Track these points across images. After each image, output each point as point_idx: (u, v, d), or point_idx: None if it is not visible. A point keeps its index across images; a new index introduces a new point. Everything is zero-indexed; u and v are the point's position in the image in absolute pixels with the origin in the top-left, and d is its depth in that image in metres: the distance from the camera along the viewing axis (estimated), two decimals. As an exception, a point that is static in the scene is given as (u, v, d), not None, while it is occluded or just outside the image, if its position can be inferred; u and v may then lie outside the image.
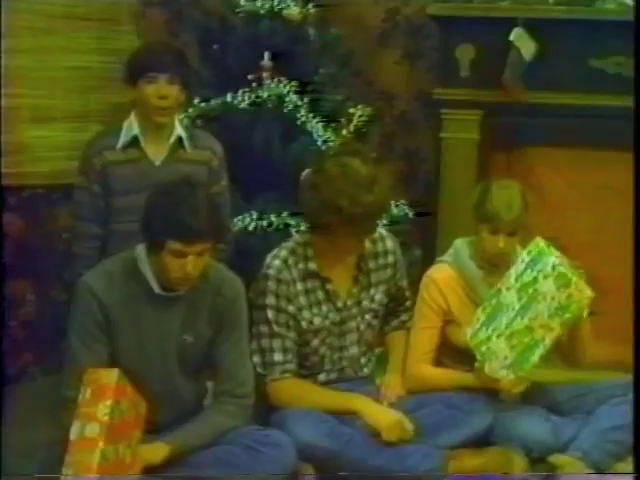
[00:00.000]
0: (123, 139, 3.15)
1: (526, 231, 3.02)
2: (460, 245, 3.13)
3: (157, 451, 2.55)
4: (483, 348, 2.87)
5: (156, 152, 3.17)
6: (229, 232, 3.38)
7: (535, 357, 2.80)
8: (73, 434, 2.36)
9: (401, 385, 3.06)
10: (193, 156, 3.21)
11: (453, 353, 3.08)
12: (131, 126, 3.16)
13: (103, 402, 2.38)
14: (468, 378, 2.98)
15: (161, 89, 3.08)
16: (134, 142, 3.15)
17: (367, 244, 3.01)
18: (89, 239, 3.17)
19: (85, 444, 2.34)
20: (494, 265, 3.05)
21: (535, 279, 2.82)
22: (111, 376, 2.44)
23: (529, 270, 2.84)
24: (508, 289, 2.87)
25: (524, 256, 2.87)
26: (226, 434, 2.67)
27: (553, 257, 2.81)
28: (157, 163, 3.16)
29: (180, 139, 3.19)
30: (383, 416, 2.84)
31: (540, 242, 2.87)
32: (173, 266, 2.55)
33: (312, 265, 2.96)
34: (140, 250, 2.66)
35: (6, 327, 3.61)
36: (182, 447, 2.59)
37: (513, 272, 2.88)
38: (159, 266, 2.60)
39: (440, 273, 3.11)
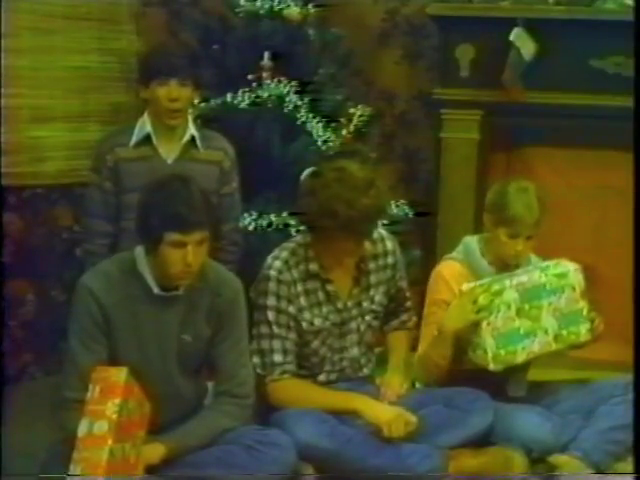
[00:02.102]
0: (136, 137, 3.17)
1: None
2: (470, 242, 3.11)
3: (154, 450, 2.54)
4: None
5: (168, 151, 3.18)
6: (239, 233, 3.39)
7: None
8: (81, 431, 2.34)
9: (401, 385, 3.05)
10: (205, 156, 3.22)
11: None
12: (144, 124, 3.18)
13: (112, 400, 2.37)
14: None
15: (172, 92, 3.09)
16: (147, 140, 3.17)
17: (367, 245, 3.00)
18: (100, 236, 3.18)
19: (94, 441, 2.32)
20: (506, 264, 3.04)
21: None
22: (120, 374, 2.43)
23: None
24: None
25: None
26: (225, 434, 2.66)
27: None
28: (169, 161, 3.18)
29: (193, 139, 3.20)
30: (383, 412, 2.83)
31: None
32: (174, 258, 2.54)
33: (313, 266, 2.95)
34: (139, 251, 2.65)
35: (6, 327, 3.62)
36: (180, 447, 2.58)
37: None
38: (158, 265, 2.59)
39: (450, 269, 3.07)
